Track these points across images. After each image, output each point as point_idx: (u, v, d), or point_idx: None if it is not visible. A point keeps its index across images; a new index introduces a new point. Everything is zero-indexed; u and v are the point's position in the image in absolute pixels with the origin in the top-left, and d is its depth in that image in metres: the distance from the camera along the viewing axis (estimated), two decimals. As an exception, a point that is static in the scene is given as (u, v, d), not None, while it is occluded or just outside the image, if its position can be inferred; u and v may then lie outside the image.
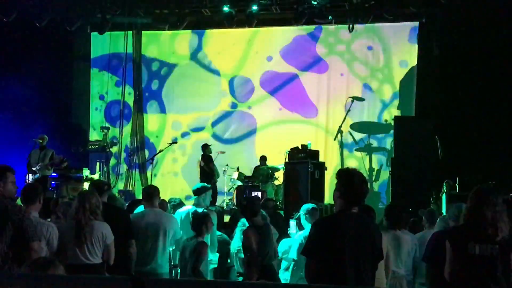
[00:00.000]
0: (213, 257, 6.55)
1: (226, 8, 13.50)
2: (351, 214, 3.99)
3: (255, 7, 13.41)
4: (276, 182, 13.32)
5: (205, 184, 7.47)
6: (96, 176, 12.84)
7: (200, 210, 6.62)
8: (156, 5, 14.35)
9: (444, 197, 9.97)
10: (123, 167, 15.23)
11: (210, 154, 13.33)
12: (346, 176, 4.06)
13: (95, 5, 13.97)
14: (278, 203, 12.16)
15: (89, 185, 5.89)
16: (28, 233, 4.58)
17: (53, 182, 11.97)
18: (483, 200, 4.05)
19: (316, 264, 3.93)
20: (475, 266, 3.96)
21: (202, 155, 13.25)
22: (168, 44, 15.70)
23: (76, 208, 5.17)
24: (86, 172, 12.75)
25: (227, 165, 13.59)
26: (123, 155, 15.33)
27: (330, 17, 13.31)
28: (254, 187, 12.80)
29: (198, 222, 6.01)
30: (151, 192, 6.41)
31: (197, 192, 7.07)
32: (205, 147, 13.36)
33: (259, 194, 12.43)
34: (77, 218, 5.13)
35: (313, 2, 12.78)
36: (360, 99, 14.24)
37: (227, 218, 9.45)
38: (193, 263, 5.79)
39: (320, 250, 3.91)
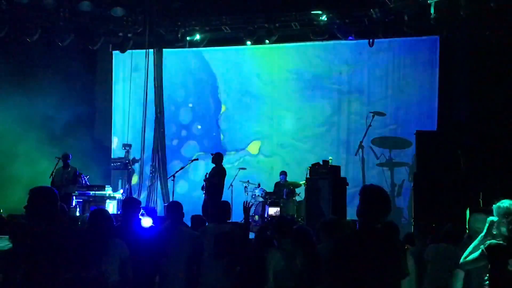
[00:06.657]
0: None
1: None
2: (372, 231, 3.94)
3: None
4: (297, 198, 13.26)
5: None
6: (118, 194, 12.91)
7: None
8: (177, 23, 14.48)
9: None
10: (145, 184, 15.28)
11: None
12: (368, 193, 4.02)
13: (117, 24, 14.13)
14: (300, 219, 12.10)
15: (122, 203, 5.90)
16: None
17: (76, 200, 12.10)
18: None
19: (337, 283, 3.90)
20: None
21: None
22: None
23: (89, 226, 5.22)
24: (108, 190, 12.83)
25: (248, 181, 13.59)
26: (145, 172, 15.38)
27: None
28: (273, 203, 12.74)
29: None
30: (175, 209, 6.39)
31: None
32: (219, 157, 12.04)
33: (278, 210, 12.42)
34: (90, 236, 5.17)
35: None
36: (381, 114, 14.17)
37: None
38: None
39: (339, 270, 3.87)
